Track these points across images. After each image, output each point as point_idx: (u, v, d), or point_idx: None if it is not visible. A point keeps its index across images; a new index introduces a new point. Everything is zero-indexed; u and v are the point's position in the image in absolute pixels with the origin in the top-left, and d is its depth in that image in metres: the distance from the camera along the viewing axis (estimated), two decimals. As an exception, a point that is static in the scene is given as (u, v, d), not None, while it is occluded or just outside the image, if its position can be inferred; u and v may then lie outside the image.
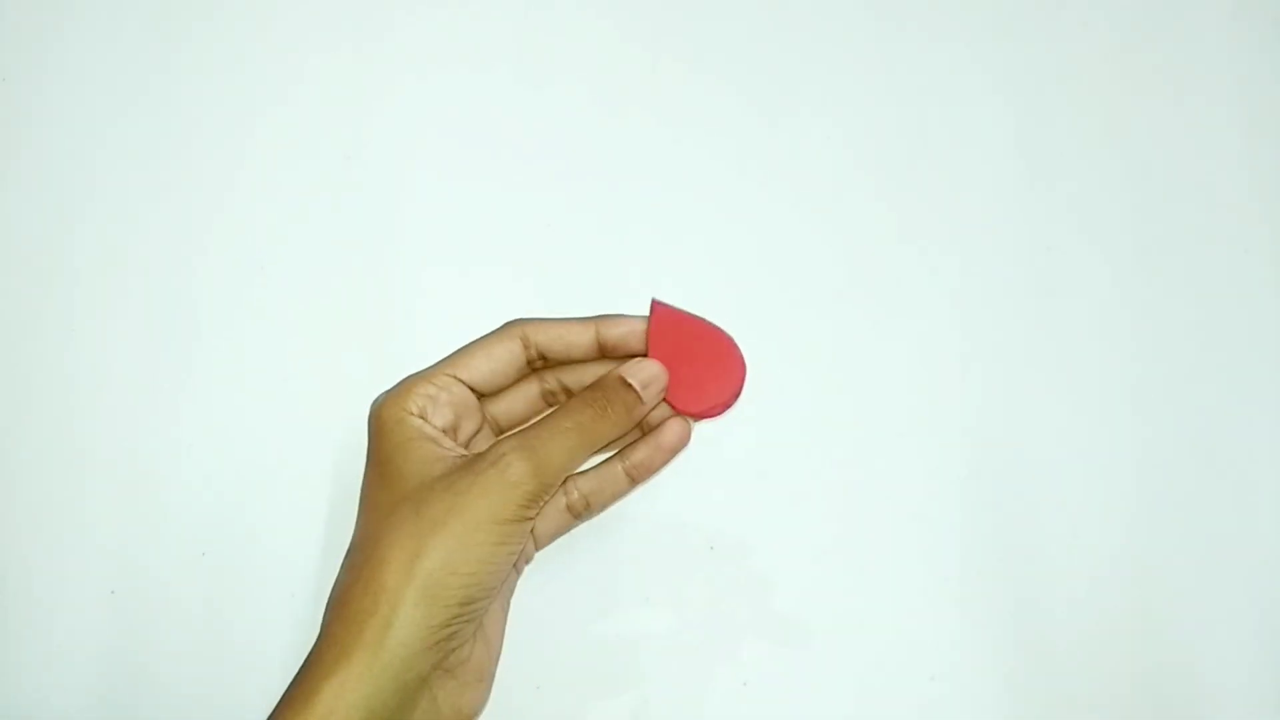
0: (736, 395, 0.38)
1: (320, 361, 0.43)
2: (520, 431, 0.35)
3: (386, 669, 0.31)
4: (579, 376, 0.38)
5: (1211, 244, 0.45)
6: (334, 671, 0.31)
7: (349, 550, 0.34)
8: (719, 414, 0.38)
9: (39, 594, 0.41)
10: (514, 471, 0.33)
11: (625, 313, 0.37)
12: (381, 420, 0.35)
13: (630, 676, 0.40)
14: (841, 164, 0.45)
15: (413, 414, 0.35)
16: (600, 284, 0.44)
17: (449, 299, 0.44)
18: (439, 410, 0.35)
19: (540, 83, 0.46)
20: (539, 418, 0.36)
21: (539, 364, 0.38)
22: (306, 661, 0.32)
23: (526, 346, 0.37)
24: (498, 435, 0.39)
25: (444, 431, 0.35)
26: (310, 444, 0.43)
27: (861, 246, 0.44)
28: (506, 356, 0.36)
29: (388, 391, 0.36)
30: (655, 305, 0.37)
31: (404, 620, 0.31)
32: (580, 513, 0.38)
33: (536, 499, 0.33)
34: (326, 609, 0.33)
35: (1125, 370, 0.43)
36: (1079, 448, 0.43)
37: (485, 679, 0.35)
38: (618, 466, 0.38)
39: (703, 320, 0.38)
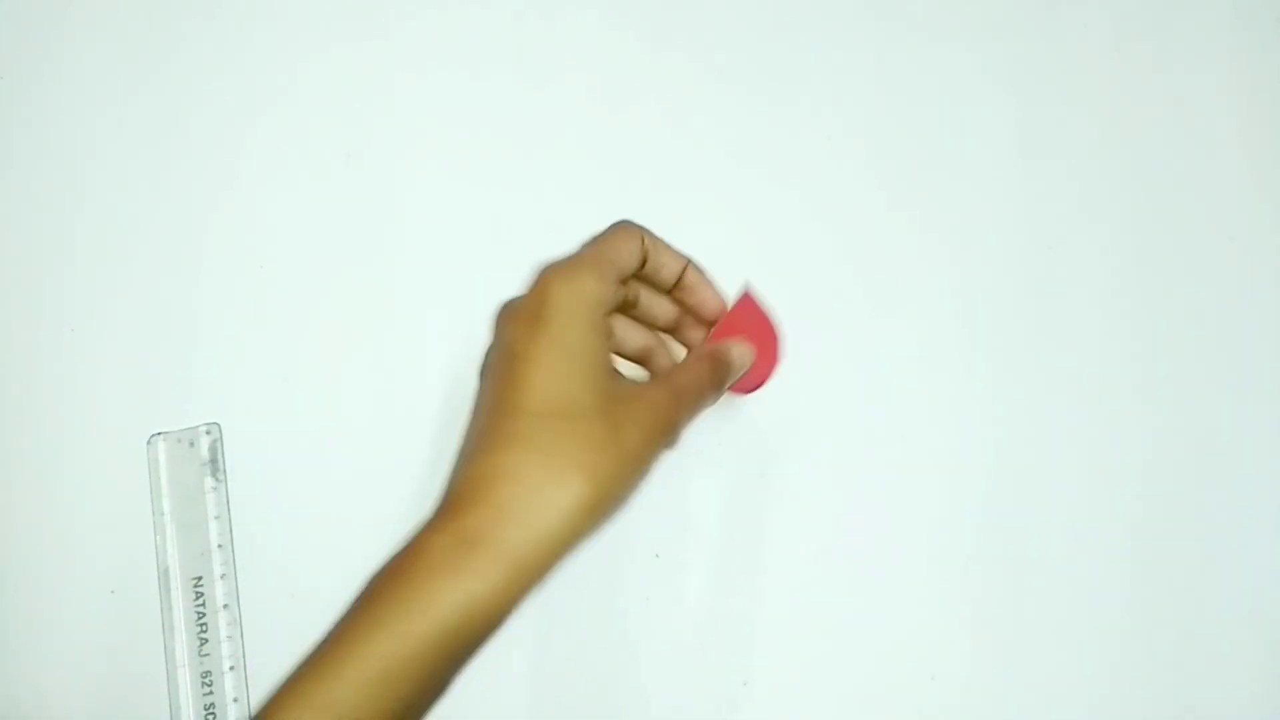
0: (765, 380, 0.39)
1: (320, 359, 0.43)
2: (669, 385, 0.33)
3: (519, 576, 0.29)
4: (649, 299, 0.37)
5: (1212, 243, 0.45)
6: (458, 561, 0.28)
7: (489, 427, 0.31)
8: (749, 392, 0.39)
9: (39, 594, 0.41)
10: (664, 420, 0.32)
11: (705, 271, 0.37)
12: (567, 291, 0.32)
13: (631, 676, 0.40)
14: (842, 164, 0.45)
15: (597, 295, 0.32)
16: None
17: (449, 298, 0.44)
18: (610, 295, 0.33)
19: (541, 82, 0.46)
20: (676, 371, 0.34)
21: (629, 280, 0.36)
22: (414, 547, 0.29)
23: (643, 250, 0.35)
24: None
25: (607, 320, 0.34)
26: (310, 442, 0.43)
27: (863, 245, 0.44)
28: (639, 253, 0.35)
29: (572, 261, 0.33)
30: (747, 295, 0.38)
31: (560, 530, 0.29)
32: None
33: (668, 445, 0.33)
34: (451, 492, 0.30)
35: (1126, 369, 0.43)
36: (1080, 447, 0.43)
37: None
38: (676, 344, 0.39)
39: (763, 309, 0.39)
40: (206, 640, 0.40)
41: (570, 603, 0.41)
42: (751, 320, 0.39)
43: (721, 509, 0.42)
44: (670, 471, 0.42)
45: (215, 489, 0.41)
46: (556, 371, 0.31)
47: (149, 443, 0.42)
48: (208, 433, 0.42)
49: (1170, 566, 0.42)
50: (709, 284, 0.38)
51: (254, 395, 0.43)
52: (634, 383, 0.33)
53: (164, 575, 0.40)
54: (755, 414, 0.43)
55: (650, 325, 0.38)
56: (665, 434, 0.33)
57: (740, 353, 0.37)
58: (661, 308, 0.37)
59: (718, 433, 0.42)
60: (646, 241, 0.35)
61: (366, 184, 0.45)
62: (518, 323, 0.32)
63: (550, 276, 0.32)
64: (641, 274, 0.36)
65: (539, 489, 0.29)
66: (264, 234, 0.44)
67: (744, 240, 0.44)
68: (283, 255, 0.44)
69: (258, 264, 0.44)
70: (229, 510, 0.41)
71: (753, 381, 0.40)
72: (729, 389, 0.39)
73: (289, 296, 0.44)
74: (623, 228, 0.35)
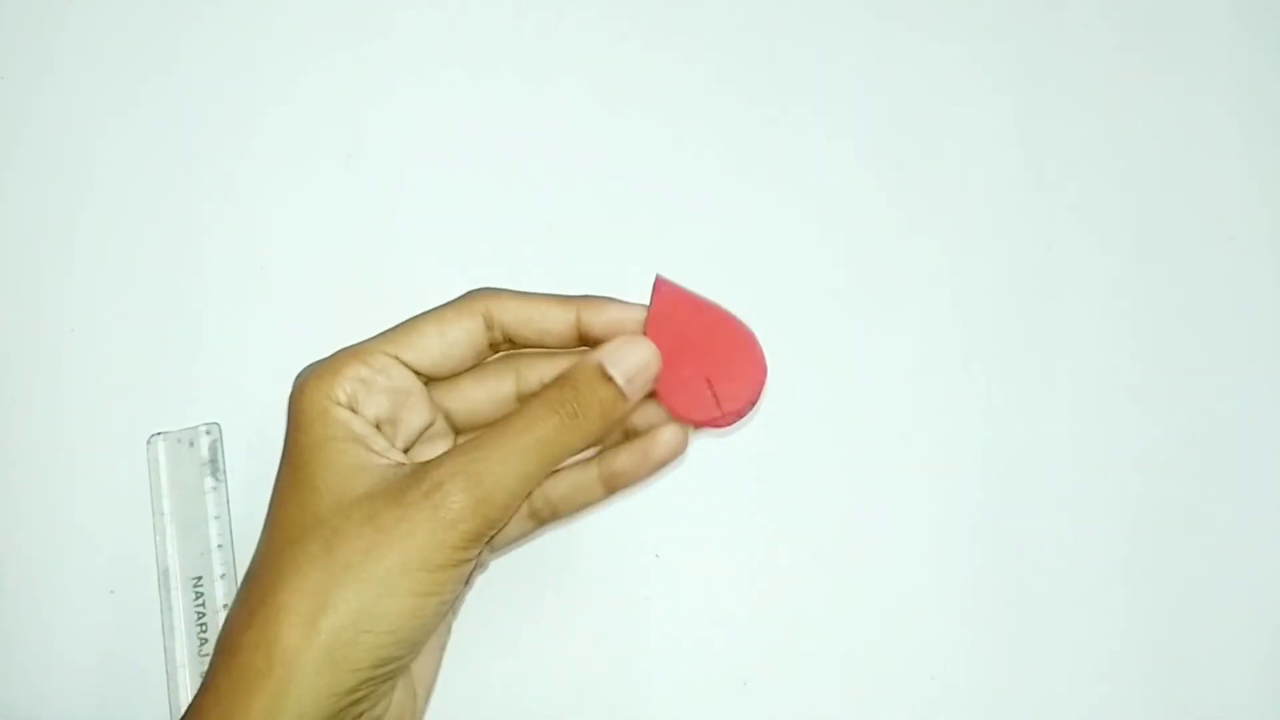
0: (750, 404, 0.31)
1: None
2: (464, 450, 0.28)
3: None
4: (554, 368, 0.31)
5: (1212, 242, 0.45)
6: None
7: (247, 575, 0.28)
8: (727, 425, 0.31)
9: (39, 594, 0.41)
10: (452, 506, 0.26)
11: (616, 297, 0.31)
12: (302, 409, 0.28)
13: (631, 677, 0.40)
14: (842, 163, 0.45)
15: (339, 403, 0.28)
16: (601, 284, 0.43)
17: (449, 298, 0.44)
18: (372, 399, 0.29)
19: (541, 82, 0.46)
20: (490, 427, 0.28)
21: (505, 347, 0.31)
22: (186, 715, 0.27)
23: (490, 325, 0.30)
24: (456, 433, 0.32)
25: (378, 426, 0.29)
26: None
27: (862, 245, 0.44)
28: (463, 337, 0.30)
29: (312, 368, 0.30)
30: (660, 283, 0.30)
31: (303, 688, 0.25)
32: (546, 520, 0.32)
33: (479, 538, 0.27)
34: (217, 645, 0.28)
35: (1126, 369, 0.43)
36: (1080, 446, 0.43)
37: None
38: (593, 471, 0.31)
39: (716, 307, 0.31)
40: (206, 640, 0.40)
41: (570, 603, 0.40)
42: (691, 323, 0.30)
43: (721, 509, 0.42)
44: (670, 472, 0.42)
45: (215, 489, 0.41)
46: (287, 499, 0.28)
47: (149, 443, 0.42)
48: (208, 433, 0.42)
49: (1170, 566, 0.42)
50: (619, 304, 0.31)
51: (254, 395, 0.43)
52: (409, 471, 0.28)
53: (164, 575, 0.40)
54: (754, 413, 0.43)
55: None
56: (447, 530, 0.26)
57: (621, 355, 0.29)
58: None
59: (716, 432, 0.42)
60: (497, 311, 0.30)
61: (366, 184, 0.45)
62: (280, 466, 0.29)
63: (292, 390, 0.29)
64: (521, 345, 0.31)
65: (273, 642, 0.26)
66: (264, 234, 0.44)
67: (742, 240, 0.44)
68: (283, 255, 0.44)
69: (258, 264, 0.44)
70: (229, 510, 0.41)
71: (724, 406, 0.31)
72: (691, 424, 0.31)
73: (289, 296, 0.44)
74: (451, 304, 0.31)
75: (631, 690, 0.40)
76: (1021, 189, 0.45)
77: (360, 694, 0.26)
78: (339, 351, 0.30)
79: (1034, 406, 0.43)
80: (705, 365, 0.30)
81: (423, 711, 0.31)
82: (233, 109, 0.46)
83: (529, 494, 0.29)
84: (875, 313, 0.44)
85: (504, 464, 0.27)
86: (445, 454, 0.28)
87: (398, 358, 0.30)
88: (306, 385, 0.29)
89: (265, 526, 0.29)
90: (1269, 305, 0.44)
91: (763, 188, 0.45)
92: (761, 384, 0.31)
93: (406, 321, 0.31)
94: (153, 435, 0.42)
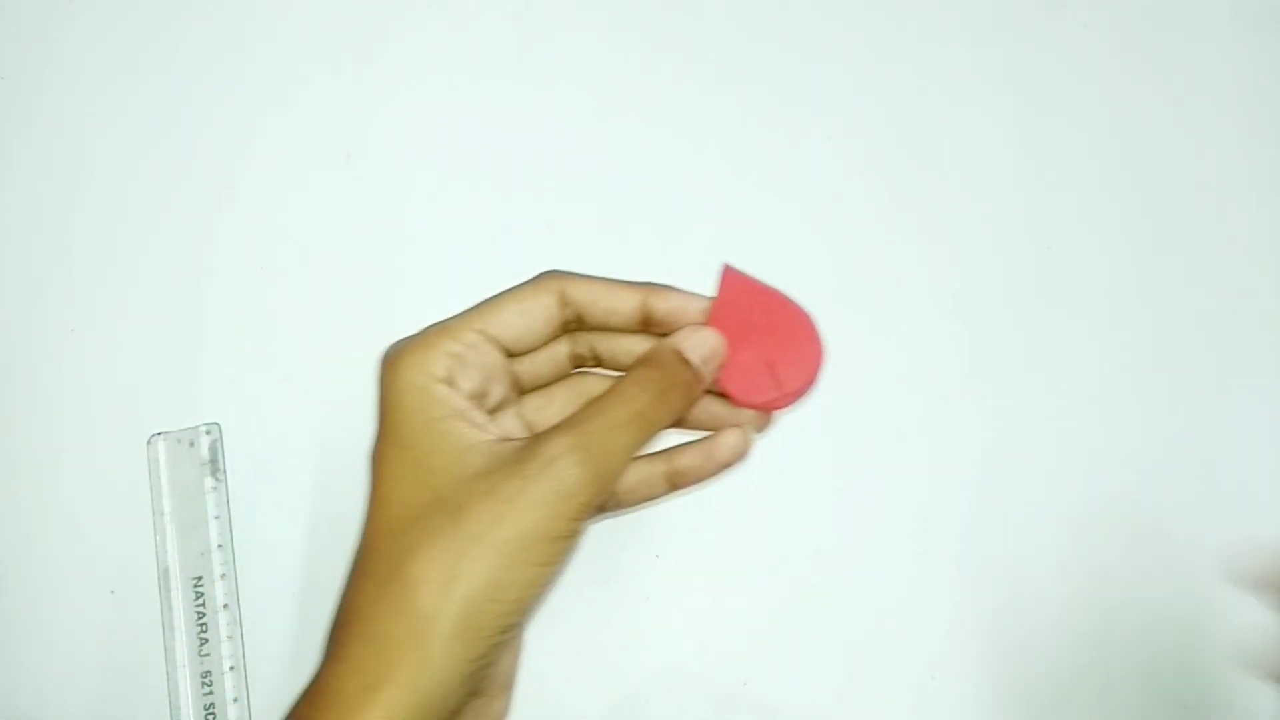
0: (809, 384, 0.32)
1: (320, 359, 0.43)
2: (572, 425, 0.29)
3: (423, 707, 0.27)
4: (612, 345, 0.33)
5: (1212, 244, 0.45)
6: (361, 709, 0.26)
7: (363, 551, 0.29)
8: (785, 405, 0.32)
9: (39, 594, 0.41)
10: (571, 478, 0.28)
11: (678, 286, 0.32)
12: (401, 387, 0.29)
13: (630, 676, 0.40)
14: (842, 164, 0.45)
15: (439, 379, 0.29)
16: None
17: (450, 300, 0.44)
18: (467, 374, 0.30)
19: (542, 82, 0.46)
20: (587, 405, 0.30)
21: (574, 326, 0.33)
22: (319, 685, 0.28)
23: (563, 304, 0.32)
24: (520, 396, 0.34)
25: (472, 400, 0.30)
26: (310, 444, 0.43)
27: (862, 246, 0.44)
28: (542, 314, 0.31)
29: (405, 345, 0.30)
30: (727, 271, 0.32)
31: (443, 654, 0.27)
32: (607, 509, 0.34)
33: (592, 508, 0.28)
34: (339, 622, 0.29)
35: (1126, 370, 0.43)
36: (1079, 447, 0.43)
37: (510, 687, 0.32)
38: (660, 467, 0.33)
39: (778, 293, 0.33)
40: (206, 640, 0.40)
41: (569, 603, 0.41)
42: (755, 308, 0.32)
43: (721, 509, 0.42)
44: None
45: (215, 489, 0.41)
46: (399, 476, 0.29)
47: (149, 443, 0.42)
48: (208, 433, 0.42)
49: (1171, 567, 0.42)
50: (681, 293, 0.32)
51: (254, 395, 0.43)
52: (522, 446, 0.29)
53: (164, 575, 0.40)
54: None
55: None
56: (566, 501, 0.28)
57: (696, 341, 0.31)
58: (633, 352, 0.33)
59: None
60: (571, 291, 0.32)
61: (366, 184, 0.45)
62: (377, 423, 0.30)
63: (382, 368, 0.30)
64: (590, 324, 0.32)
65: (411, 611, 0.27)
66: (264, 234, 0.44)
67: (741, 240, 0.44)
68: (283, 255, 0.44)
69: (258, 264, 0.44)
70: (229, 510, 0.41)
71: (782, 388, 0.32)
72: (750, 407, 0.33)
73: (289, 296, 0.44)
74: (528, 284, 0.32)
75: (631, 690, 0.40)
76: (1021, 189, 0.45)
77: (489, 660, 0.28)
78: (428, 328, 0.31)
79: (1033, 406, 0.43)
80: (766, 349, 0.32)
81: (516, 678, 0.33)
82: (233, 109, 0.46)
83: (626, 468, 0.30)
84: (875, 313, 0.44)
85: (611, 436, 0.29)
86: (553, 429, 0.29)
87: (484, 333, 0.31)
88: (401, 362, 0.30)
89: (375, 504, 0.30)
90: (1269, 305, 0.44)
91: (762, 188, 0.45)
92: (819, 364, 0.32)
93: (486, 300, 0.32)
94: (153, 435, 0.42)
